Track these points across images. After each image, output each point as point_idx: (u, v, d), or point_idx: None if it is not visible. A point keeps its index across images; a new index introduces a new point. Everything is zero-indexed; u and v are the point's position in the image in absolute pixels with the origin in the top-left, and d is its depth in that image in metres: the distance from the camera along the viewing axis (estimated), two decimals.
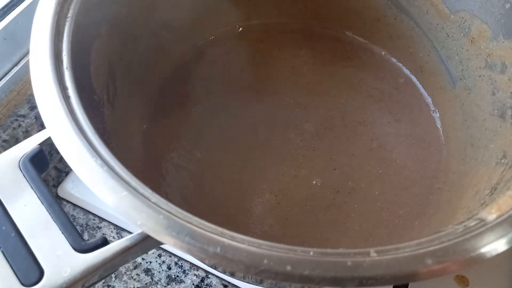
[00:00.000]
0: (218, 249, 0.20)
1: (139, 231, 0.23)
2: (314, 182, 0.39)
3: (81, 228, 0.40)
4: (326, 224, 0.37)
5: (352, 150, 0.41)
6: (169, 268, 0.39)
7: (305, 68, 0.46)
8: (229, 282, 0.38)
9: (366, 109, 0.44)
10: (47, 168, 0.28)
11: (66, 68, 0.27)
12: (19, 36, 0.43)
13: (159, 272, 0.39)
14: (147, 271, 0.39)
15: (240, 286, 0.38)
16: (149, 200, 0.22)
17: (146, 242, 0.24)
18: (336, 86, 0.45)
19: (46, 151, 0.27)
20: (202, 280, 0.38)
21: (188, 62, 0.45)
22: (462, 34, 0.39)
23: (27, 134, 0.43)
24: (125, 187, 0.22)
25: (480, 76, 0.38)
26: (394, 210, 0.38)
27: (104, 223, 0.41)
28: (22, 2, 0.43)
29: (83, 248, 0.24)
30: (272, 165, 0.39)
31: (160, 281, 0.38)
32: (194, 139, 0.41)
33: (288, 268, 0.20)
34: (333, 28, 0.48)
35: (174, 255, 0.39)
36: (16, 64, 0.44)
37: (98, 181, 0.22)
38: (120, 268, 0.38)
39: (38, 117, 0.43)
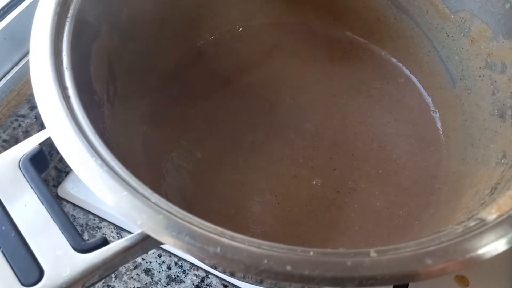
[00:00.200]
0: (218, 249, 0.20)
1: (139, 231, 0.23)
2: (314, 182, 0.39)
3: (81, 228, 0.40)
4: (326, 224, 0.37)
5: (352, 150, 0.41)
6: (169, 268, 0.39)
7: (305, 68, 0.46)
8: (229, 282, 0.38)
9: (366, 109, 0.44)
10: (47, 168, 0.28)
11: (66, 68, 0.27)
12: (19, 36, 0.43)
13: (159, 272, 0.39)
14: (147, 271, 0.39)
15: (240, 286, 0.38)
16: (149, 200, 0.22)
17: (146, 242, 0.24)
18: (336, 86, 0.45)
19: (46, 151, 0.27)
20: (202, 280, 0.38)
21: (188, 62, 0.45)
22: (462, 34, 0.39)
23: (27, 134, 0.43)
24: (125, 187, 0.22)
25: (480, 76, 0.38)
26: (394, 210, 0.38)
27: (104, 223, 0.41)
28: (22, 2, 0.43)
29: (83, 248, 0.24)
30: (272, 165, 0.39)
31: (160, 281, 0.38)
32: (194, 139, 0.41)
33: (288, 268, 0.20)
34: (333, 28, 0.48)
35: (174, 255, 0.39)
36: (16, 64, 0.44)
37: (98, 181, 0.22)
38: (120, 268, 0.38)
39: (38, 117, 0.43)
